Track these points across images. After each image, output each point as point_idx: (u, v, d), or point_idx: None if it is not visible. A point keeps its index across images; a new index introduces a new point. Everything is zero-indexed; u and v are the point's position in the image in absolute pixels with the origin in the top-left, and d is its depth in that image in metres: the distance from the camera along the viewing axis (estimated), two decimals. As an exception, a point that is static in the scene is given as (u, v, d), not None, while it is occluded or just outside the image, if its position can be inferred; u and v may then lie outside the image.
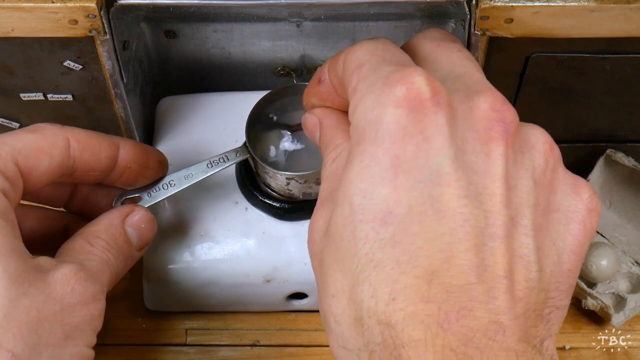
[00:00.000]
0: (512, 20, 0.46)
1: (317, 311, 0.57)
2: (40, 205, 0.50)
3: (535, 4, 0.45)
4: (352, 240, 0.32)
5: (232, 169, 0.56)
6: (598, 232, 0.60)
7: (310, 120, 0.40)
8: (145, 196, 0.51)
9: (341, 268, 0.32)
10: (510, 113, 0.33)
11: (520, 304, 0.31)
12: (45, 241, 0.48)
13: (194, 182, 0.51)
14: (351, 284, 0.31)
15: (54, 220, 0.50)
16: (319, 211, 0.35)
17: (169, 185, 0.51)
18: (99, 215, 0.47)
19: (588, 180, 0.59)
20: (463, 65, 0.36)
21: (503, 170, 0.32)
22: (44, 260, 0.41)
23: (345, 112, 0.38)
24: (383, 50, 0.35)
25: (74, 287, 0.40)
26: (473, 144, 0.32)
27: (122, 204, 0.50)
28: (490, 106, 0.32)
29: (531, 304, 0.31)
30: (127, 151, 0.48)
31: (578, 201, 0.34)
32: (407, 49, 0.38)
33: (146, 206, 0.50)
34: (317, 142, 0.41)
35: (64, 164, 0.44)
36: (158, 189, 0.51)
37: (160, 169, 0.51)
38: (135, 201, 0.50)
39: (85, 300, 0.41)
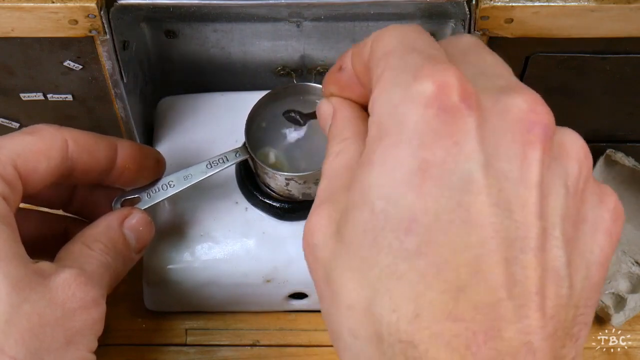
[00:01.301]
0: (512, 20, 0.46)
1: (317, 311, 0.57)
2: (39, 208, 0.50)
3: (535, 4, 0.45)
4: (372, 249, 0.29)
5: (232, 169, 0.56)
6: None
7: (325, 107, 0.38)
8: (144, 197, 0.51)
9: (358, 278, 0.30)
10: (549, 116, 0.31)
11: (551, 322, 0.29)
12: (45, 245, 0.48)
13: (194, 182, 0.51)
14: (369, 296, 0.29)
15: (54, 223, 0.50)
16: (319, 212, 0.33)
17: (168, 185, 0.51)
18: (98, 216, 0.47)
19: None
20: (496, 66, 0.34)
21: (538, 177, 0.30)
22: (44, 265, 0.41)
23: (364, 105, 0.36)
24: (415, 39, 0.33)
25: (75, 292, 0.40)
26: (507, 147, 0.30)
27: (122, 205, 0.50)
28: (528, 107, 0.30)
29: (561, 322, 0.29)
30: (125, 151, 0.48)
31: (605, 211, 0.32)
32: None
33: (146, 207, 0.50)
34: (326, 130, 0.38)
35: (63, 166, 0.44)
36: (157, 190, 0.51)
37: (158, 169, 0.51)
38: (134, 202, 0.50)
39: (86, 305, 0.41)
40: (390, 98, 0.30)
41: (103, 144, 0.47)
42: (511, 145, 0.30)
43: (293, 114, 0.51)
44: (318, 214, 0.34)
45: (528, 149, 0.30)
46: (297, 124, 0.52)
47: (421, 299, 0.28)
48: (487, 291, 0.28)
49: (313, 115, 0.49)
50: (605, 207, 0.32)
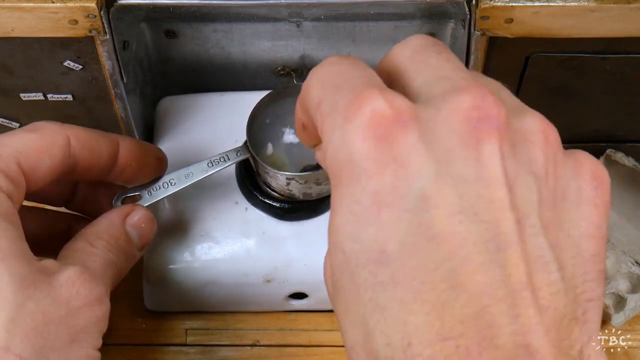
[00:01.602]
0: (512, 20, 0.46)
1: (317, 311, 0.57)
2: (42, 206, 0.50)
3: (535, 4, 0.45)
4: (353, 288, 0.29)
5: (232, 169, 0.56)
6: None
7: (319, 156, 0.37)
8: (145, 195, 0.51)
9: (351, 319, 0.30)
10: (494, 107, 0.29)
11: (547, 314, 0.28)
12: (48, 243, 0.48)
13: (194, 181, 0.51)
14: (364, 334, 0.29)
15: (57, 221, 0.50)
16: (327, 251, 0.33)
17: (169, 184, 0.51)
18: (100, 213, 0.47)
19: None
20: (441, 68, 0.32)
21: (499, 170, 0.28)
22: (48, 262, 0.41)
23: None
24: (335, 77, 0.32)
25: (79, 290, 0.40)
26: (458, 151, 0.29)
27: (123, 202, 0.50)
28: (472, 104, 0.29)
29: (560, 310, 0.28)
30: (126, 148, 0.48)
31: (581, 182, 0.31)
32: (385, 62, 0.35)
33: (146, 204, 0.50)
34: None
35: (65, 163, 0.44)
36: (158, 188, 0.51)
37: (159, 166, 0.51)
38: (135, 200, 0.50)
39: (90, 303, 0.41)
40: (333, 145, 0.30)
41: (104, 141, 0.47)
42: (460, 147, 0.29)
43: (280, 128, 0.52)
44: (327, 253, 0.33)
45: (480, 147, 0.29)
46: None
47: (407, 326, 0.28)
48: (469, 302, 0.27)
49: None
50: (582, 177, 0.31)
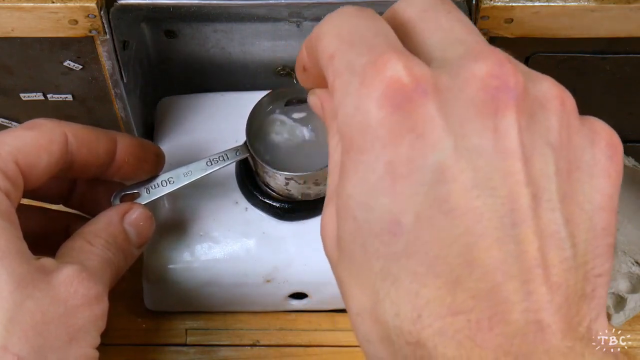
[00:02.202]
0: (512, 20, 0.46)
1: (317, 311, 0.57)
2: (41, 204, 0.50)
3: (535, 4, 0.45)
4: (364, 256, 0.29)
5: (232, 169, 0.56)
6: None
7: (312, 101, 0.36)
8: (143, 193, 0.51)
9: (359, 284, 0.30)
10: (513, 74, 0.28)
11: (559, 291, 0.28)
12: (46, 241, 0.48)
13: (193, 179, 0.51)
14: (373, 302, 0.29)
15: (55, 219, 0.50)
16: (326, 209, 0.33)
17: (167, 182, 0.51)
18: (99, 211, 0.47)
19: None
20: (453, 29, 0.31)
21: (516, 143, 0.28)
22: (46, 261, 0.41)
23: None
24: (352, 32, 0.31)
25: (77, 289, 0.40)
26: (474, 122, 0.28)
27: (121, 200, 0.50)
28: (487, 72, 0.28)
29: (571, 287, 0.28)
30: (124, 145, 0.48)
31: (598, 151, 0.30)
32: (391, 15, 0.33)
33: (145, 202, 0.50)
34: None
35: (63, 160, 0.44)
36: (156, 186, 0.51)
37: (157, 163, 0.51)
38: (133, 197, 0.50)
39: (89, 302, 0.41)
40: (346, 107, 0.29)
41: (103, 138, 0.47)
42: (478, 118, 0.28)
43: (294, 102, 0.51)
44: (325, 212, 0.33)
45: (497, 118, 0.28)
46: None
47: (419, 299, 0.28)
48: (483, 278, 0.27)
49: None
50: (597, 146, 0.31)
